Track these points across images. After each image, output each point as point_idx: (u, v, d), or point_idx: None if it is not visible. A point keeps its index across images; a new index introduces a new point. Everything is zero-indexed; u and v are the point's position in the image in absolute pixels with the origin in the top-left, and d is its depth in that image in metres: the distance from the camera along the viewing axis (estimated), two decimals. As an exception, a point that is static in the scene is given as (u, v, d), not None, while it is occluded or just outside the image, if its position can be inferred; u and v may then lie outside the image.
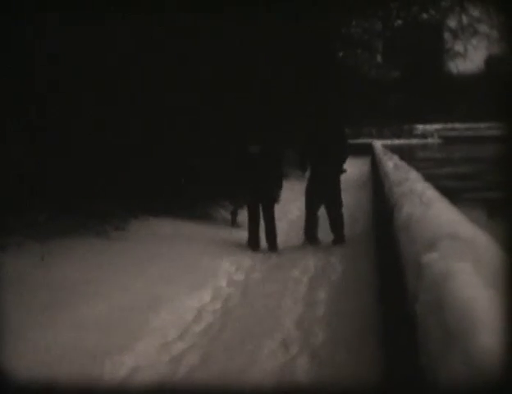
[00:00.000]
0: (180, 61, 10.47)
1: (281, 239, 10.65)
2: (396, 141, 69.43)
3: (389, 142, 58.77)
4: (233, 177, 10.86)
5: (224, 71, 11.82)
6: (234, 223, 12.18)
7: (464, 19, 23.65)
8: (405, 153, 39.90)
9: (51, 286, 6.59)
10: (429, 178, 8.86)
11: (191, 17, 9.89)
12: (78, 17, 8.05)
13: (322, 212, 10.65)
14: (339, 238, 10.33)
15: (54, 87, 8.45)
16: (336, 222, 10.36)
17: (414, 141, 79.76)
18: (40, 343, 5.09)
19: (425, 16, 27.67)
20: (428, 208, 4.70)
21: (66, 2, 7.97)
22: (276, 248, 10.24)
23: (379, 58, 34.19)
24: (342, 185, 10.79)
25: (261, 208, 10.31)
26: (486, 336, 1.92)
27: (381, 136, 68.23)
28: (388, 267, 6.06)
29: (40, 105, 8.44)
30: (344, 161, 10.74)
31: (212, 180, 12.16)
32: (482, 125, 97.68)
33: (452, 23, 25.80)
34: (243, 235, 10.63)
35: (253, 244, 10.25)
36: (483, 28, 23.37)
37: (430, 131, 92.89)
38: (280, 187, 10.43)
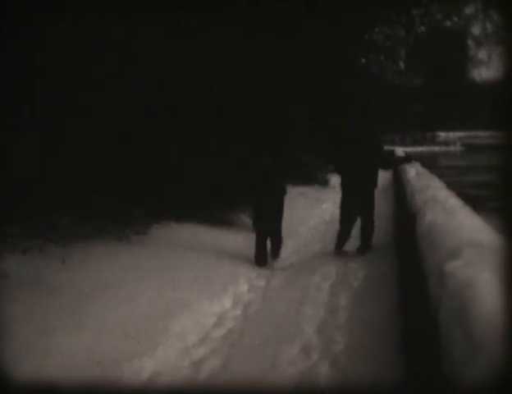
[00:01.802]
0: (177, 59, 10.44)
1: (300, 243, 10.64)
2: (419, 148, 69.13)
3: (411, 149, 58.52)
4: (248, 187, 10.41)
5: (237, 82, 11.82)
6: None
7: (489, 26, 23.50)
8: (427, 161, 39.71)
9: (72, 290, 6.61)
10: (452, 186, 8.81)
11: (198, 17, 9.88)
12: (77, 17, 8.06)
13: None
14: (365, 247, 10.12)
15: (59, 87, 8.48)
16: (366, 232, 10.12)
17: (437, 149, 79.28)
18: (60, 347, 5.11)
19: (448, 23, 27.54)
20: (451, 215, 4.68)
21: (66, 2, 7.99)
22: (278, 255, 10.13)
23: (402, 65, 34.05)
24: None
25: (268, 219, 9.94)
26: (509, 343, 1.91)
27: (403, 143, 67.97)
28: (410, 274, 6.03)
29: (51, 107, 8.47)
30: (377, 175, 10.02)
31: (231, 191, 12.22)
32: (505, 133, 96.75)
33: (476, 30, 25.67)
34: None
35: (260, 260, 9.69)
36: (508, 35, 23.20)
37: (452, 139, 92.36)
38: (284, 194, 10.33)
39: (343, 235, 10.12)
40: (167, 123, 10.43)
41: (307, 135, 20.51)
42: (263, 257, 9.73)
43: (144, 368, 5.02)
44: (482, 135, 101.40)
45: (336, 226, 10.25)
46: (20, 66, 7.97)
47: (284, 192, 10.23)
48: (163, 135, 10.37)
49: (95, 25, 8.39)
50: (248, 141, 12.70)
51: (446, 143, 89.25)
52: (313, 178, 22.18)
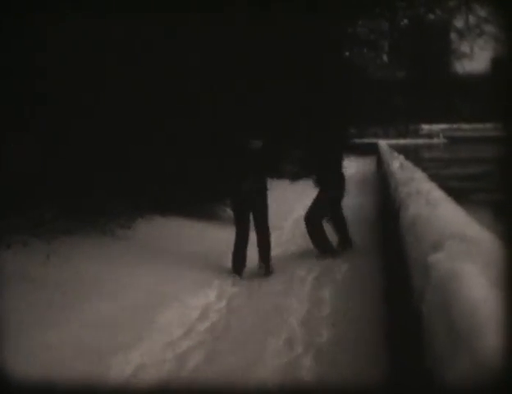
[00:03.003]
0: (178, 59, 10.42)
1: (286, 238, 10.65)
2: (402, 141, 69.29)
3: (394, 142, 58.68)
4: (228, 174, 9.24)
5: (224, 67, 11.76)
6: None
7: (471, 19, 23.58)
8: (411, 153, 39.83)
9: (56, 285, 6.58)
10: (435, 178, 8.85)
11: (186, 15, 9.87)
12: (77, 17, 8.04)
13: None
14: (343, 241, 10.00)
15: (55, 86, 8.45)
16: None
17: (420, 141, 79.58)
18: (45, 342, 5.10)
19: (432, 16, 27.65)
20: (435, 208, 4.69)
21: (66, 2, 7.97)
22: (268, 264, 8.61)
23: (385, 58, 34.15)
24: (348, 185, 10.72)
25: (252, 213, 8.75)
26: (493, 337, 1.92)
27: (386, 136, 68.14)
28: (394, 267, 6.05)
29: (41, 104, 8.44)
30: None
31: (216, 180, 12.09)
32: (488, 125, 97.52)
33: (459, 23, 25.75)
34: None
35: (238, 266, 8.51)
36: (490, 28, 23.31)
37: (436, 131, 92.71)
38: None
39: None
40: (156, 118, 10.39)
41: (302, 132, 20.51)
42: (243, 263, 8.56)
43: (130, 361, 5.02)
44: (465, 128, 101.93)
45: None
46: (21, 65, 7.94)
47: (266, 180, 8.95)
48: (143, 125, 10.32)
49: (95, 25, 8.37)
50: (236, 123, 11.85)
51: (430, 135, 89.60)
52: (297, 173, 22.21)
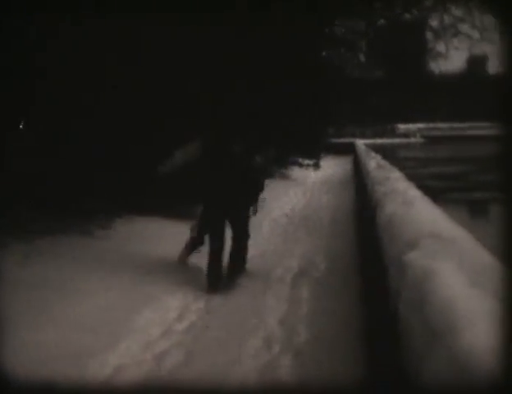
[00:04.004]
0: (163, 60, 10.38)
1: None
2: (379, 140, 69.69)
3: (371, 141, 58.96)
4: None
5: (202, 68, 11.70)
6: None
7: (446, 19, 23.66)
8: (388, 153, 40.03)
9: (34, 285, 6.56)
10: (412, 178, 8.92)
11: (173, 17, 9.85)
12: (77, 17, 8.02)
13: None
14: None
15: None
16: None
17: (397, 140, 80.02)
18: (22, 343, 5.07)
19: (408, 15, 27.76)
20: (410, 207, 4.73)
21: (66, 2, 7.94)
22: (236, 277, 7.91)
23: (362, 58, 34.19)
24: (325, 185, 10.72)
25: (230, 221, 7.99)
26: (468, 333, 1.94)
27: (363, 136, 68.49)
28: (371, 265, 6.08)
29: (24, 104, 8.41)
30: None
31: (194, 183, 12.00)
32: (464, 124, 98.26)
33: (434, 23, 25.84)
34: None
35: (214, 279, 7.56)
36: (465, 28, 23.43)
37: (412, 131, 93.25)
38: (260, 191, 8.54)
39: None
40: (125, 110, 10.33)
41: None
42: (219, 277, 7.66)
43: (108, 362, 5.00)
44: (442, 127, 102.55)
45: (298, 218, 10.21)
46: (20, 65, 7.90)
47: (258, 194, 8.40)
48: (129, 129, 10.29)
49: (95, 25, 8.34)
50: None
51: (406, 135, 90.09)
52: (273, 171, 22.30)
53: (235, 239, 8.04)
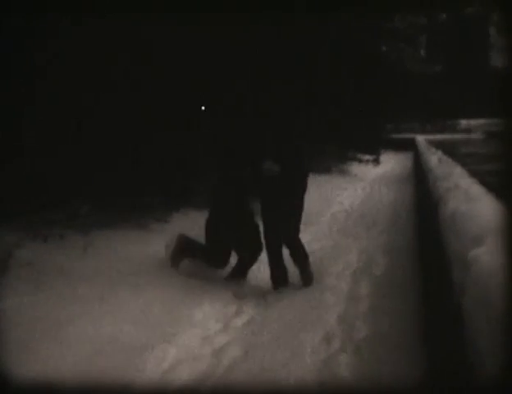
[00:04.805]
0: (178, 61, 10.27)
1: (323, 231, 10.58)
2: (439, 136, 68.76)
3: (432, 137, 58.26)
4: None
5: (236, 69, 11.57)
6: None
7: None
8: (448, 149, 39.48)
9: (92, 279, 6.63)
10: (474, 174, 8.77)
11: (198, 17, 9.79)
12: (78, 17, 8.04)
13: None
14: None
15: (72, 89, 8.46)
16: None
17: (458, 136, 78.83)
18: (83, 336, 5.13)
19: (470, 9, 27.39)
20: (474, 203, 4.65)
21: (66, 2, 7.97)
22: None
23: (423, 53, 33.87)
24: (385, 181, 10.61)
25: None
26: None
27: (423, 131, 67.66)
28: (432, 262, 6.00)
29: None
30: None
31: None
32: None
33: (497, 17, 25.42)
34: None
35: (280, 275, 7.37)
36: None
37: (474, 126, 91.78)
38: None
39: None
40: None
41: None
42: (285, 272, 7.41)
43: (166, 356, 5.03)
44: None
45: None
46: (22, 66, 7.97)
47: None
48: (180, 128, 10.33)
49: (95, 25, 8.36)
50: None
51: (468, 130, 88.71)
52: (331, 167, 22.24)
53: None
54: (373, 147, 28.23)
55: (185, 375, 4.74)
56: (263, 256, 7.50)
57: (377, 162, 27.67)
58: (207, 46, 10.08)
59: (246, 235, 7.41)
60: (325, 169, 20.80)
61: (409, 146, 39.73)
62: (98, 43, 8.43)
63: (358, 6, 16.62)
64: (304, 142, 7.68)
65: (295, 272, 7.47)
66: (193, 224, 9.60)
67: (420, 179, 14.81)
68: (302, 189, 7.32)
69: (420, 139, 38.61)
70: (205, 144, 10.92)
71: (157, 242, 8.34)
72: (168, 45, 9.43)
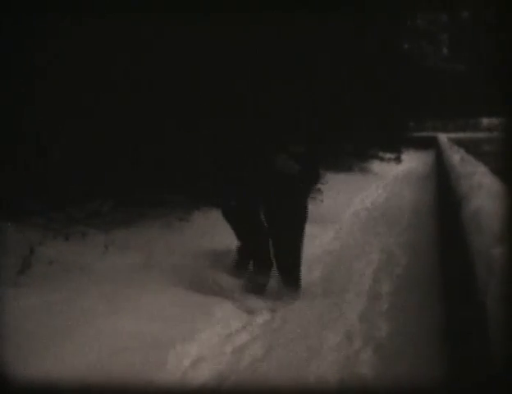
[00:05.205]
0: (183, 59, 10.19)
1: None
2: (461, 134, 68.35)
3: (453, 135, 57.93)
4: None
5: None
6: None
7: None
8: (471, 147, 39.26)
9: (114, 276, 6.65)
10: (497, 173, 8.70)
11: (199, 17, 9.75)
12: (78, 17, 8.04)
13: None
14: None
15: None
16: None
17: (480, 135, 78.26)
18: (103, 333, 5.13)
19: (494, 9, 27.25)
20: (497, 201, 4.61)
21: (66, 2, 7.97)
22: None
23: (445, 51, 33.70)
24: (407, 179, 10.54)
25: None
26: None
27: (445, 129, 67.30)
28: (454, 260, 5.97)
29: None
30: None
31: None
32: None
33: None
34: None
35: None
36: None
37: (496, 125, 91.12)
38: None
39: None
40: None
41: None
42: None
43: (187, 353, 5.03)
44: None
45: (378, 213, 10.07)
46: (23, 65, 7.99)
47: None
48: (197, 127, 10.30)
49: (95, 25, 8.36)
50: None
51: (490, 129, 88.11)
52: (353, 165, 22.21)
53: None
54: (395, 145, 28.13)
55: (205, 373, 4.74)
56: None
57: (398, 160, 27.57)
58: (207, 46, 10.03)
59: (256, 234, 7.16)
60: (346, 167, 20.80)
61: (430, 144, 39.49)
62: (98, 43, 8.41)
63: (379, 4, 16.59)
64: (315, 141, 7.53)
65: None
66: (215, 222, 9.61)
67: (442, 177, 14.73)
68: (310, 187, 7.21)
69: (442, 137, 38.36)
70: (206, 145, 10.88)
71: (178, 241, 8.35)
72: (168, 45, 9.39)
